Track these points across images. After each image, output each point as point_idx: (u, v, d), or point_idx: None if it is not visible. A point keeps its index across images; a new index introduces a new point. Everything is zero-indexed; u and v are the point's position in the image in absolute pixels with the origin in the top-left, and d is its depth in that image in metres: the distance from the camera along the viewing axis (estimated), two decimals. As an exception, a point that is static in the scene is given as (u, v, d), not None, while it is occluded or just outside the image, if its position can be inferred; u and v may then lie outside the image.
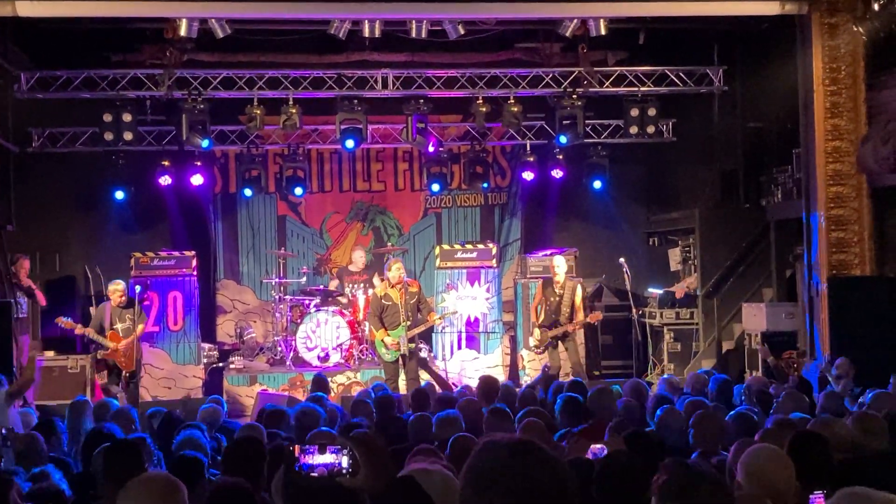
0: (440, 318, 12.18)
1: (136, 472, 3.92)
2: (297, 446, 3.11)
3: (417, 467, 3.57)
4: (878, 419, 5.62)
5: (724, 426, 5.99)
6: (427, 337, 12.93)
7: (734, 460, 4.38)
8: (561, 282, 12.07)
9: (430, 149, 13.67)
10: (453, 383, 12.21)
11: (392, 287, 11.69)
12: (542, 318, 12.16)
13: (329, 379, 11.87)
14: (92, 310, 13.23)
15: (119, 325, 11.50)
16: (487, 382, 8.59)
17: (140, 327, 11.64)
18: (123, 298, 11.59)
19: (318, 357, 12.99)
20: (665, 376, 9.82)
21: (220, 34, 11.61)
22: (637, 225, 15.61)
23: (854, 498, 2.81)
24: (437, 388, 10.41)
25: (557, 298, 12.03)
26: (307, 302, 13.54)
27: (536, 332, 12.17)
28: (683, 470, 3.09)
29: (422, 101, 13.06)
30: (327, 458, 3.10)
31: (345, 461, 3.09)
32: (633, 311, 13.56)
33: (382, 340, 11.63)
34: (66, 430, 7.26)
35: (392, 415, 7.42)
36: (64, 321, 11.50)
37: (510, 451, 2.11)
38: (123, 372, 11.40)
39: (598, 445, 5.16)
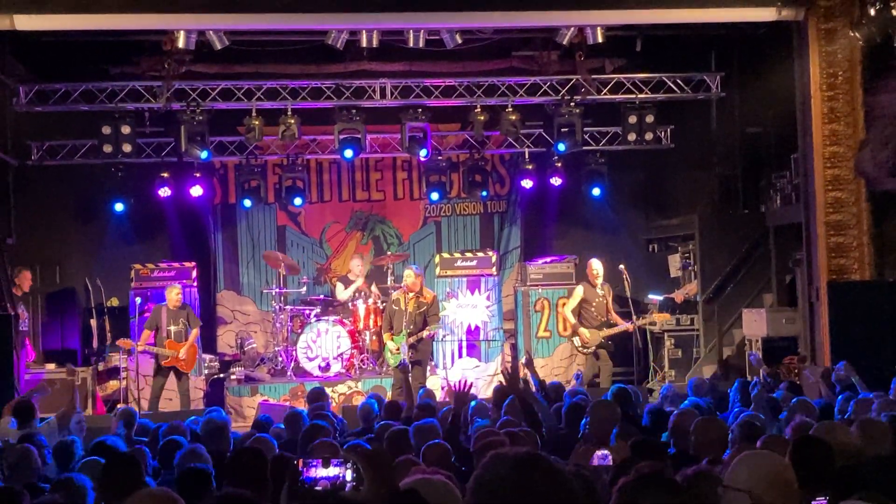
0: (427, 332, 11.98)
1: (134, 488, 3.80)
2: (300, 459, 3.10)
3: (419, 477, 3.57)
4: (881, 424, 5.61)
5: (726, 432, 5.92)
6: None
7: (723, 468, 4.34)
8: (600, 283, 12.23)
9: (423, 156, 13.45)
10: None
11: (403, 293, 11.81)
12: (583, 320, 12.23)
13: (330, 389, 11.91)
14: (92, 322, 13.30)
15: (172, 328, 11.96)
16: (501, 392, 8.62)
17: (195, 330, 12.13)
18: (179, 301, 12.09)
19: (319, 367, 12.98)
20: (667, 384, 9.82)
21: (218, 45, 11.61)
22: (636, 231, 15.58)
23: None
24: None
25: (602, 300, 12.13)
26: (307, 312, 13.54)
27: (585, 332, 12.17)
28: (646, 474, 3.03)
29: (420, 110, 13.07)
30: (331, 471, 3.10)
31: (349, 474, 3.09)
32: (634, 317, 13.55)
33: (386, 344, 11.83)
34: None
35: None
36: (122, 341, 12.03)
37: (516, 463, 2.11)
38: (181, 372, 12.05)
39: (602, 452, 5.14)
